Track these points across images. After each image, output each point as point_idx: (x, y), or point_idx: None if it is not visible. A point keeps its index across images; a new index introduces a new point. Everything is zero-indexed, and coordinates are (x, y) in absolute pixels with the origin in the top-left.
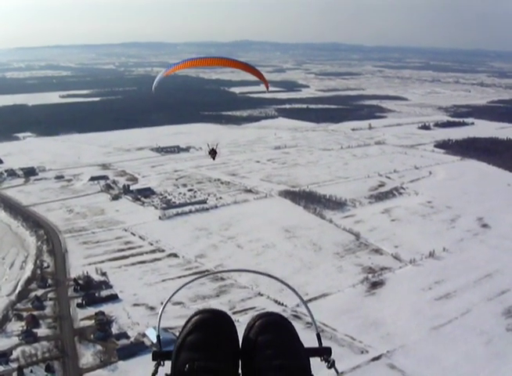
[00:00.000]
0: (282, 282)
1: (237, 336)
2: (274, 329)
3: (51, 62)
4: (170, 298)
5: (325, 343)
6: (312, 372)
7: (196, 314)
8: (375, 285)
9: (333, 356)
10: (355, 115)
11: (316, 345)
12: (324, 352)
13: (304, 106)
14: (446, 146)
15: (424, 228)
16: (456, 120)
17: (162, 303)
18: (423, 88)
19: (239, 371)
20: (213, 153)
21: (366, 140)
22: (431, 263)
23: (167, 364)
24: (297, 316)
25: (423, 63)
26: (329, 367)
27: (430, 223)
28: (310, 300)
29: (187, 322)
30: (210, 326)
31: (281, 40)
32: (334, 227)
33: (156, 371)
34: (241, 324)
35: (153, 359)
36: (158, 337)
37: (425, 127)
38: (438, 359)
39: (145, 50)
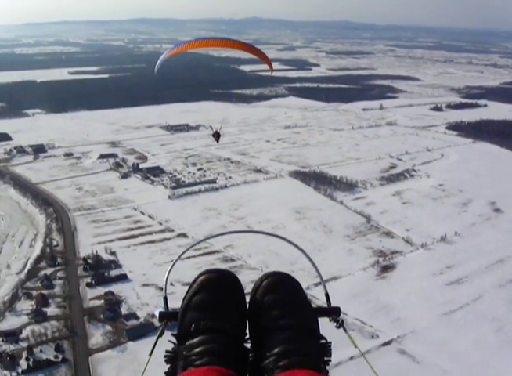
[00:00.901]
0: (290, 242)
1: (244, 296)
2: (281, 288)
3: (60, 38)
4: (178, 258)
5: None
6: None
7: (202, 274)
8: (386, 269)
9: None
10: (366, 95)
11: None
12: (333, 312)
13: (315, 85)
14: (458, 128)
15: (436, 211)
16: (469, 101)
17: (171, 284)
18: (436, 69)
19: (246, 332)
20: (217, 135)
21: (377, 121)
22: (443, 247)
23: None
24: None
25: (436, 43)
26: (338, 327)
27: (442, 207)
28: (320, 283)
29: (193, 282)
30: (217, 286)
31: (291, 17)
32: (345, 209)
33: (162, 332)
34: None
35: (160, 320)
36: (165, 298)
37: (437, 108)
38: (449, 345)
39: (154, 26)
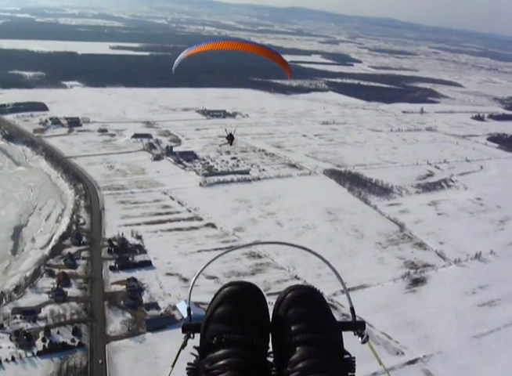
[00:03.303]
0: (320, 257)
1: (267, 309)
2: (304, 302)
3: (104, 11)
4: (203, 268)
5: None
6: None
7: (225, 286)
8: (416, 282)
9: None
10: (407, 97)
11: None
12: (357, 327)
13: (356, 82)
14: (500, 140)
15: (472, 226)
16: None
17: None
18: (479, 76)
19: (269, 345)
20: (230, 138)
21: (417, 125)
22: (477, 265)
23: (197, 337)
24: (333, 306)
25: (481, 49)
26: (363, 342)
27: (478, 222)
28: (348, 290)
29: (216, 294)
30: (240, 298)
31: (336, 10)
32: (378, 214)
33: (185, 344)
34: None
35: (183, 332)
36: (189, 309)
37: (479, 117)
38: (477, 371)
39: (198, 8)
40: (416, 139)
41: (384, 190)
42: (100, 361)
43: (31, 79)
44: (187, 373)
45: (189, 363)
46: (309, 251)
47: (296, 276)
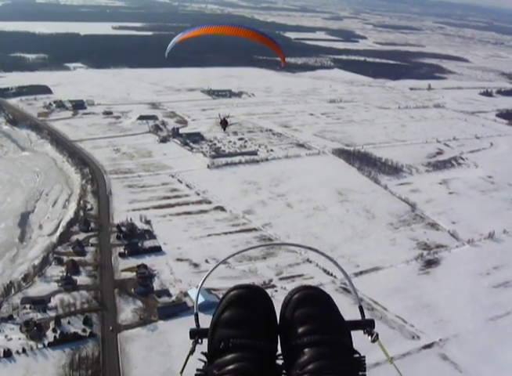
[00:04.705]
0: (328, 257)
1: (274, 312)
2: (311, 303)
3: None
4: (207, 275)
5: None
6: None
7: (231, 290)
8: (430, 263)
9: (376, 329)
10: (413, 73)
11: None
12: (367, 325)
13: (362, 58)
14: (509, 116)
15: (484, 205)
16: None
17: (206, 261)
18: (486, 51)
19: (278, 348)
20: (224, 123)
21: (425, 102)
22: (490, 245)
23: (206, 342)
24: (346, 289)
25: (487, 24)
26: (373, 341)
27: (491, 201)
28: (361, 273)
29: (222, 298)
30: (246, 302)
31: None
32: (389, 194)
33: (193, 349)
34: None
35: (191, 338)
36: (196, 314)
37: (487, 93)
38: (494, 354)
39: None
40: (425, 116)
41: (393, 169)
42: (111, 328)
43: (34, 62)
44: None
45: (197, 369)
46: (317, 251)
47: (308, 260)
